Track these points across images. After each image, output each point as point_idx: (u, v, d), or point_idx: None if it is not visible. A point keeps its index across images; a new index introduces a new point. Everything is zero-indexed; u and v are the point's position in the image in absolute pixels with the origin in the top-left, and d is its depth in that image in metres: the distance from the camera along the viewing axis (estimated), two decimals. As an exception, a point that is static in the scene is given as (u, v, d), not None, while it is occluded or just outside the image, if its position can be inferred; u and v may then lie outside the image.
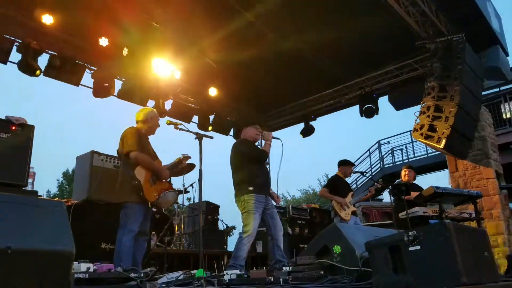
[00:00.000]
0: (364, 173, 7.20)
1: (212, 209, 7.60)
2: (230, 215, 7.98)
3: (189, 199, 7.82)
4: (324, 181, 26.78)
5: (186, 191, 7.16)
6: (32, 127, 3.97)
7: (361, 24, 7.69)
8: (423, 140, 7.09)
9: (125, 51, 7.68)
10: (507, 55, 8.36)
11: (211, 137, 4.11)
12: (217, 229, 7.74)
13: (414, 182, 6.92)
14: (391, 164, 15.35)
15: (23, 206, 1.84)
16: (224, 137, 10.18)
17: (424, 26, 7.28)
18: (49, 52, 7.26)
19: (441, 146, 6.79)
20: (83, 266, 2.25)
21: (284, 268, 2.87)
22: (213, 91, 9.29)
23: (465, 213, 6.33)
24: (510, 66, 8.82)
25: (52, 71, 7.18)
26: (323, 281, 2.58)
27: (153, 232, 5.52)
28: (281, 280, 2.55)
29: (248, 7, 7.28)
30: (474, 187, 7.37)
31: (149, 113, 4.36)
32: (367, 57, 8.81)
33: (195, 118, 9.63)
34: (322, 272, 2.79)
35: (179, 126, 4.07)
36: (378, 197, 14.36)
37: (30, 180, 4.18)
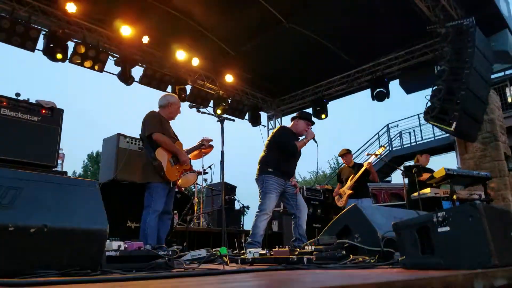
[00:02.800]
0: (376, 155, 7.04)
1: (229, 190, 7.55)
2: (246, 195, 7.96)
3: (205, 179, 7.76)
4: (334, 163, 26.87)
5: (205, 172, 7.11)
6: (61, 111, 3.91)
7: (372, 10, 7.48)
8: (434, 123, 6.90)
9: (145, 39, 7.59)
10: (515, 38, 8.07)
11: (233, 120, 4.01)
12: (234, 208, 7.70)
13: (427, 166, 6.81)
14: (400, 147, 15.11)
15: (59, 185, 1.78)
16: (239, 121, 10.11)
17: (434, 11, 7.05)
18: (74, 40, 7.18)
19: (452, 128, 6.60)
20: (114, 244, 2.20)
21: (306, 247, 2.78)
22: (229, 78, 9.19)
23: (475, 194, 6.18)
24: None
25: (76, 58, 7.11)
26: (346, 261, 2.50)
27: (175, 211, 5.48)
28: (304, 259, 2.47)
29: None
30: (483, 169, 7.16)
31: (170, 98, 4.27)
32: (378, 42, 8.60)
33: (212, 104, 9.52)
34: (344, 252, 2.71)
35: (201, 110, 3.98)
36: (386, 179, 14.23)
37: (59, 161, 4.14)
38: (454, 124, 6.56)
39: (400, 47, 8.81)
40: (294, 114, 4.83)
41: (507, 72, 12.95)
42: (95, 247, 1.79)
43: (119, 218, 4.38)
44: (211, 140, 4.35)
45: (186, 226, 5.26)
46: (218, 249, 3.50)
